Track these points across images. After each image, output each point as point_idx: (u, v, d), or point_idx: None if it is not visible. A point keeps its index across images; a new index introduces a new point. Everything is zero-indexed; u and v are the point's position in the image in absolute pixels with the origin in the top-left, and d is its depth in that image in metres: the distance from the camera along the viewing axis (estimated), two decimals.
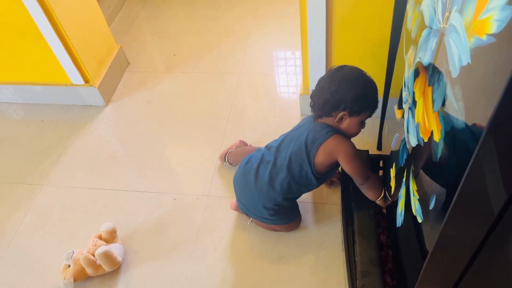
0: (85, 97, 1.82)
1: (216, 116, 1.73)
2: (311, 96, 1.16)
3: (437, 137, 0.65)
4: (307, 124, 1.17)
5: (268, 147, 1.23)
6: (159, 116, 1.77)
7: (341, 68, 1.11)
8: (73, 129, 1.77)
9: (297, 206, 1.31)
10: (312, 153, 1.12)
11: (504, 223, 0.61)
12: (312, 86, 1.52)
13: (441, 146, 0.64)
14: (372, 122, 1.27)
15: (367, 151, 1.31)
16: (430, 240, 0.72)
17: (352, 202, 1.23)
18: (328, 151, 1.11)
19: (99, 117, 1.81)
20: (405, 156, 0.90)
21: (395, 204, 1.04)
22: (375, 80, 1.12)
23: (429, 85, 0.68)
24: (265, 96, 1.79)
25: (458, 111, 0.58)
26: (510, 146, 0.50)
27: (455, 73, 0.56)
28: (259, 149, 1.27)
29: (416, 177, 0.81)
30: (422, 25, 0.75)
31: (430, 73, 0.68)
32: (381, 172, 1.34)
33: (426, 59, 0.71)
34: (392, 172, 1.06)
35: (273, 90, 1.83)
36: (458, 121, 0.58)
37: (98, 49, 1.81)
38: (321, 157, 1.12)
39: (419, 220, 0.79)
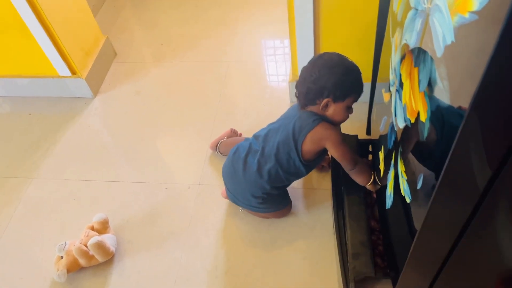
0: (73, 89, 1.80)
1: (206, 105, 1.73)
2: (296, 86, 1.16)
3: (423, 117, 0.66)
4: (294, 113, 1.18)
5: (255, 136, 1.24)
6: (148, 106, 1.77)
7: (322, 55, 1.11)
8: (61, 122, 1.75)
9: (286, 193, 1.33)
10: (300, 141, 1.13)
11: (489, 200, 0.63)
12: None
13: (427, 126, 0.65)
14: (361, 107, 1.28)
15: (356, 136, 1.32)
16: (418, 219, 0.74)
17: (342, 186, 1.25)
18: (315, 139, 1.12)
19: (88, 109, 1.79)
20: (393, 138, 0.91)
21: (384, 187, 1.06)
22: (363, 65, 1.12)
23: (415, 66, 0.69)
24: (254, 84, 1.79)
25: (443, 90, 0.59)
26: (494, 123, 0.52)
27: (439, 52, 0.57)
28: (247, 139, 1.27)
29: (404, 159, 0.82)
30: (407, 7, 0.75)
31: (416, 54, 0.69)
32: (370, 157, 1.35)
33: (412, 41, 0.71)
34: (381, 155, 1.08)
35: (263, 78, 1.83)
36: (443, 101, 0.59)
37: (84, 40, 1.79)
38: (308, 145, 1.13)
39: (408, 200, 0.80)
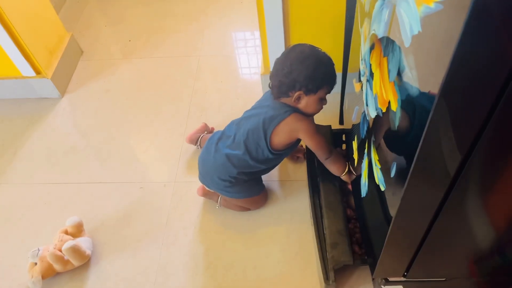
0: (38, 90, 1.74)
1: (178, 101, 1.70)
2: (270, 77, 1.16)
3: (394, 107, 0.67)
4: (267, 102, 1.18)
5: (231, 122, 1.25)
6: (119, 104, 1.73)
7: (294, 47, 1.11)
8: (28, 124, 1.69)
9: (259, 181, 1.33)
10: (269, 131, 1.13)
11: (460, 183, 0.64)
12: (272, 65, 1.52)
13: (398, 115, 0.66)
14: (333, 97, 1.29)
15: (330, 126, 1.33)
16: (393, 206, 0.75)
17: (318, 176, 1.26)
18: (286, 130, 1.13)
19: (55, 109, 1.73)
20: (365, 128, 0.92)
21: (359, 175, 1.08)
22: (334, 55, 1.13)
23: (384, 56, 0.70)
24: (226, 78, 1.78)
25: (412, 80, 0.59)
26: (462, 110, 0.53)
27: (407, 42, 0.58)
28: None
29: (377, 147, 0.84)
30: None
31: (385, 44, 0.70)
32: (344, 146, 1.37)
33: (380, 31, 0.72)
34: (355, 144, 1.09)
35: (234, 71, 1.81)
36: (413, 89, 0.60)
37: (47, 38, 1.72)
38: (279, 136, 1.14)
39: (382, 188, 0.82)
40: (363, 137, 0.95)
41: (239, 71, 1.82)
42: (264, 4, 1.32)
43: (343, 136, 1.35)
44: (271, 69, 1.53)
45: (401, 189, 0.68)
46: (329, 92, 1.13)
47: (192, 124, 1.59)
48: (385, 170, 0.78)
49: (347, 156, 1.22)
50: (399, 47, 0.62)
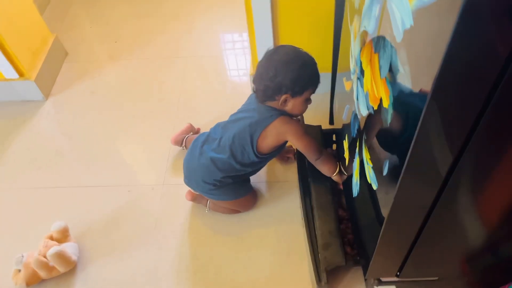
0: (22, 92, 1.70)
1: (166, 102, 1.68)
2: (253, 81, 1.14)
3: (386, 103, 0.66)
4: (252, 105, 1.16)
5: (217, 125, 1.23)
6: (105, 106, 1.69)
7: (277, 50, 1.09)
8: (11, 127, 1.65)
9: (246, 182, 1.31)
10: (256, 136, 1.12)
11: (453, 181, 0.63)
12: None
13: (390, 111, 0.65)
14: (323, 97, 1.28)
15: (320, 126, 1.32)
16: (386, 205, 0.74)
17: (309, 177, 1.25)
18: (273, 133, 1.11)
19: (40, 112, 1.69)
20: (356, 127, 0.91)
21: (350, 175, 1.06)
22: (323, 55, 1.12)
23: (375, 52, 0.69)
24: (215, 79, 1.76)
25: (404, 75, 0.58)
26: (455, 106, 0.52)
27: (399, 37, 0.57)
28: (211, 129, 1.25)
29: (368, 146, 0.82)
30: None
31: (376, 41, 0.69)
32: (334, 146, 1.36)
33: (370, 27, 0.71)
34: (345, 144, 1.08)
35: (223, 72, 1.80)
36: (405, 85, 0.59)
37: (31, 39, 1.68)
38: (266, 140, 1.13)
39: (374, 187, 0.81)
40: (354, 136, 0.94)
41: (227, 72, 1.80)
42: (252, 4, 1.31)
43: (333, 136, 1.34)
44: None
45: (394, 187, 0.67)
46: (313, 93, 1.12)
47: (180, 126, 1.56)
48: (377, 169, 0.77)
49: (338, 156, 1.21)
50: (391, 43, 0.61)
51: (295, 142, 1.13)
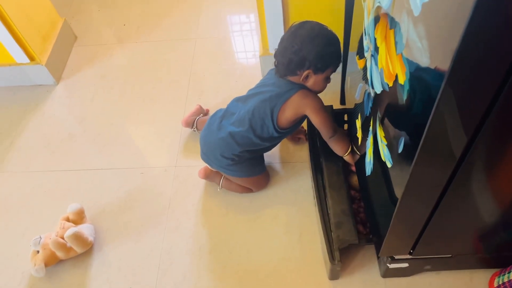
0: (33, 77, 1.71)
1: (176, 85, 1.68)
2: (275, 55, 1.14)
3: (402, 80, 0.65)
4: (271, 80, 1.16)
5: (236, 99, 1.23)
6: (115, 90, 1.70)
7: (303, 25, 1.09)
8: (24, 112, 1.66)
9: (261, 160, 1.32)
10: (277, 108, 1.12)
11: (467, 161, 0.63)
12: (272, 46, 1.49)
13: (406, 88, 0.64)
14: (334, 77, 1.27)
15: (331, 106, 1.32)
16: (400, 183, 0.74)
17: (321, 157, 1.25)
18: (293, 106, 1.12)
19: (51, 97, 1.71)
20: (370, 105, 0.91)
21: (363, 154, 1.06)
22: (335, 33, 1.11)
23: (390, 28, 0.68)
24: (224, 61, 1.75)
25: (422, 50, 0.58)
26: (474, 81, 0.51)
27: (417, 11, 0.56)
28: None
29: (383, 123, 0.82)
30: None
31: (391, 16, 0.68)
32: (346, 127, 1.35)
33: (385, 2, 0.70)
34: (358, 123, 1.07)
35: (231, 53, 1.79)
36: (422, 61, 0.58)
37: (40, 23, 1.68)
38: (286, 113, 1.13)
39: (389, 165, 0.80)
40: (368, 114, 0.94)
41: (236, 54, 1.79)
42: None
43: (345, 116, 1.33)
44: (270, 50, 1.51)
45: (409, 166, 0.67)
46: (334, 71, 1.12)
47: (190, 108, 1.56)
48: (392, 147, 0.77)
49: (350, 136, 1.20)
50: (408, 17, 0.60)
51: (313, 117, 1.13)
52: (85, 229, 1.26)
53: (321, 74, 1.09)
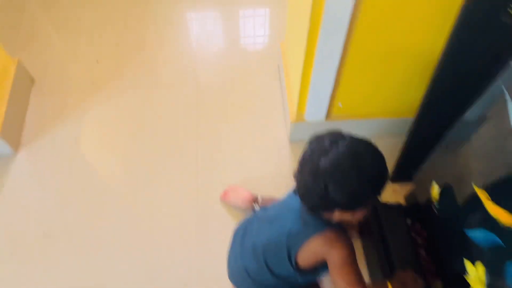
0: None
1: (180, 146, 1.33)
2: (296, 190, 0.86)
3: None
4: (296, 204, 0.89)
5: (255, 216, 1.05)
6: (96, 155, 1.33)
7: (326, 152, 0.77)
8: None
9: None
10: (295, 250, 0.88)
11: None
12: (310, 113, 1.19)
13: None
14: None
15: (400, 205, 1.03)
16: None
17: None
18: (313, 250, 0.87)
19: (10, 173, 1.28)
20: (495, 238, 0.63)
21: None
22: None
23: None
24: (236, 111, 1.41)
25: None
26: None
27: None
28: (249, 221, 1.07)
29: None
30: None
31: None
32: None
33: None
34: (470, 265, 0.81)
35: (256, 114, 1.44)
36: None
37: None
38: (305, 255, 0.88)
39: None
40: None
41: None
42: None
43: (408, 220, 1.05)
44: (305, 117, 1.19)
45: None
46: (377, 199, 0.83)
47: (204, 182, 1.22)
48: None
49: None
50: None
51: (333, 270, 0.85)
52: None
53: (353, 211, 0.82)
